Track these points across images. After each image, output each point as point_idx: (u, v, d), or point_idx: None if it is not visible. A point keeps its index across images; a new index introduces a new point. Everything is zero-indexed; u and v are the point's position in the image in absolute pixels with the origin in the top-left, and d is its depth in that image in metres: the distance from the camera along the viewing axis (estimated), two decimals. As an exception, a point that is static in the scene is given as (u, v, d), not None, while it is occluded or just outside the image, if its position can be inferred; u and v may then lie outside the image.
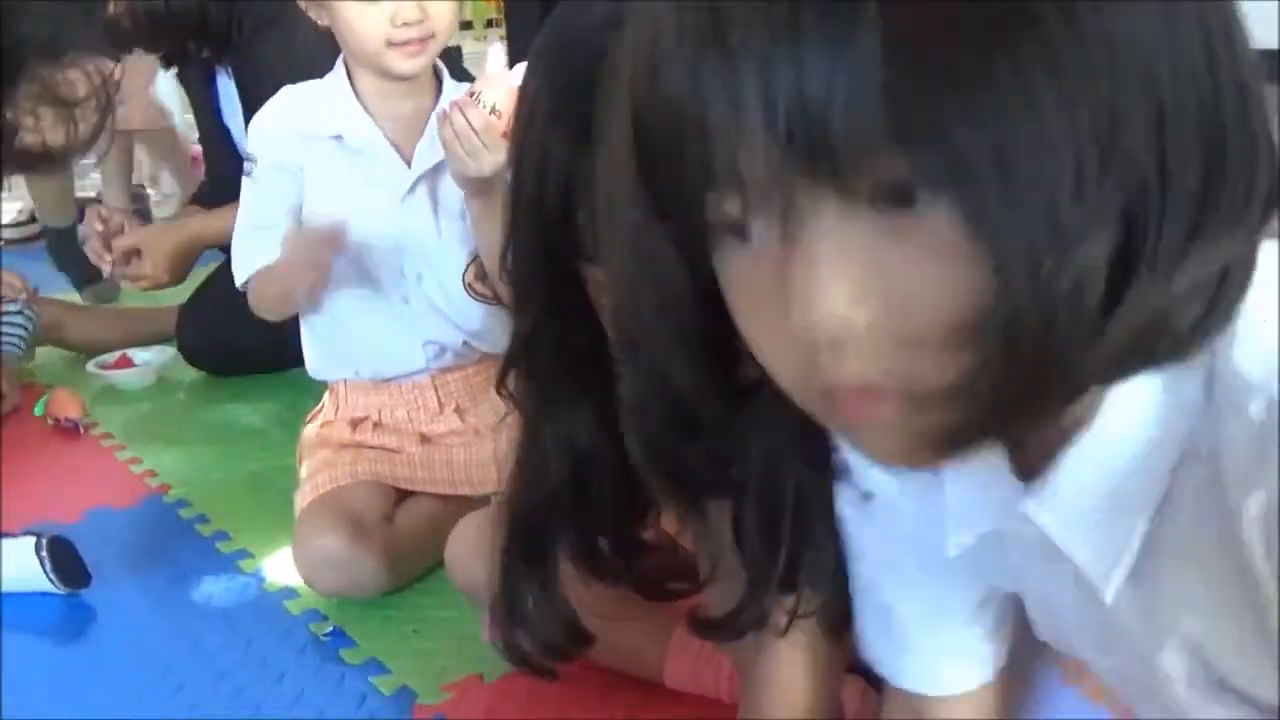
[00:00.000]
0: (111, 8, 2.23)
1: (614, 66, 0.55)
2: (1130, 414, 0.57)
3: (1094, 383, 0.53)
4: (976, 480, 0.65)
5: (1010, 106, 0.44)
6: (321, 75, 1.63)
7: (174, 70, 2.47)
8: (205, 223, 2.39)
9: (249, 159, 1.63)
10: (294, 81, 1.64)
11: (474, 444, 1.65)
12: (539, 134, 0.94)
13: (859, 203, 0.48)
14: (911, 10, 0.44)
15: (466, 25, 6.28)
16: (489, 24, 10.72)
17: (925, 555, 0.74)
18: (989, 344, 0.47)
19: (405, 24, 1.49)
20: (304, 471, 1.65)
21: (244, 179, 1.64)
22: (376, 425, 1.67)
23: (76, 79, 0.53)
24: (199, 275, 2.45)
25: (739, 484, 0.80)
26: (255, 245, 1.60)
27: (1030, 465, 0.61)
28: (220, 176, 2.48)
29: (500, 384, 1.08)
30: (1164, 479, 0.58)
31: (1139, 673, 0.66)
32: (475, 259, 1.57)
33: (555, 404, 1.03)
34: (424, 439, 1.66)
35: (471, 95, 1.35)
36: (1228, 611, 0.59)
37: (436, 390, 1.68)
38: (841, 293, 0.49)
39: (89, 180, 3.70)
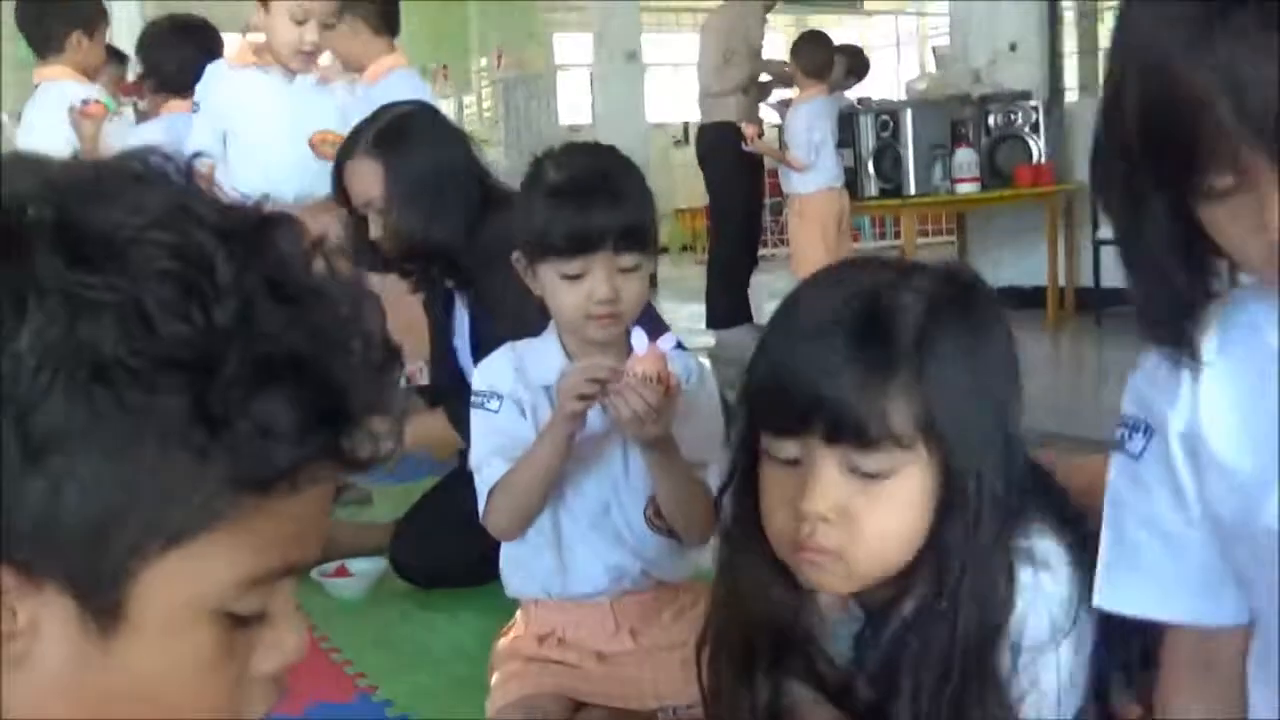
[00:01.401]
0: (373, 231, 2.59)
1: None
2: None
3: None
4: None
5: None
6: (539, 320, 1.88)
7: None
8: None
9: (485, 396, 1.84)
10: (520, 317, 1.90)
11: (645, 663, 1.84)
12: None
13: None
14: None
15: (662, 249, 6.77)
16: (684, 248, 11.26)
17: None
18: None
19: (599, 302, 1.74)
20: (495, 679, 1.86)
21: (478, 411, 1.85)
22: (560, 641, 1.88)
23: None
24: (414, 492, 2.73)
25: None
26: (494, 468, 1.79)
27: None
28: (440, 388, 2.76)
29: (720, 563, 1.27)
30: None
31: None
32: (654, 497, 1.80)
33: (761, 589, 1.20)
34: (600, 656, 1.86)
35: (630, 374, 1.60)
36: None
37: (614, 613, 1.88)
38: None
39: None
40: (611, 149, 1.92)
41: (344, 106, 3.41)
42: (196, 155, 0.69)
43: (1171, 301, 0.94)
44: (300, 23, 3.30)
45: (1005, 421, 1.14)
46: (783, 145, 5.97)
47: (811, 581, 1.16)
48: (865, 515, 1.11)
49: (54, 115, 3.66)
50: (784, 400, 1.11)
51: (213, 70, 3.46)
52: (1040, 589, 1.15)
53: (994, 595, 1.12)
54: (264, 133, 3.35)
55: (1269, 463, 0.94)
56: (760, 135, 5.88)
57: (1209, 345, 0.98)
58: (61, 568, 0.60)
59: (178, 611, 0.63)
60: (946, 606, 1.11)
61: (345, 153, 2.65)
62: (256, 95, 3.37)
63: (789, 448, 1.13)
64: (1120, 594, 1.08)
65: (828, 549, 1.11)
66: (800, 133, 5.81)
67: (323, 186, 3.27)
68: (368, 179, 2.57)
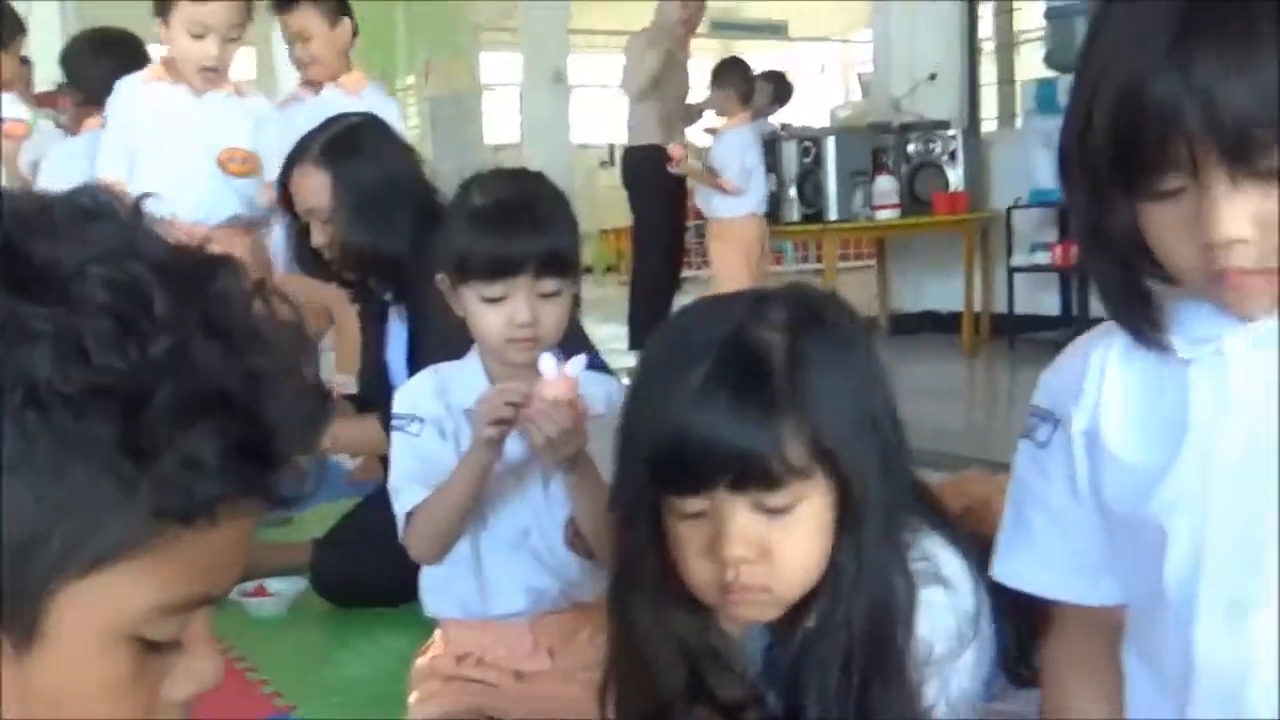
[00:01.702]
0: (317, 237, 2.58)
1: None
2: None
3: None
4: None
5: None
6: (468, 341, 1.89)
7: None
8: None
9: (406, 419, 1.85)
10: (452, 338, 1.91)
11: (560, 683, 1.86)
12: None
13: (1249, 176, 0.89)
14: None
15: (587, 270, 6.78)
16: (608, 269, 11.31)
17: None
18: None
19: (519, 325, 1.76)
20: (413, 698, 1.87)
21: (399, 434, 1.86)
22: (479, 661, 1.90)
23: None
24: (332, 513, 2.74)
25: None
26: (412, 493, 1.80)
27: None
28: (369, 400, 2.75)
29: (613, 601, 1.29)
30: None
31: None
32: (573, 518, 1.83)
33: (663, 621, 1.24)
34: (518, 675, 1.88)
35: (540, 399, 1.63)
36: None
37: (533, 632, 1.90)
38: (1233, 222, 0.89)
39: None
40: (539, 175, 1.95)
41: (261, 119, 3.37)
42: (144, 195, 0.71)
43: (1130, 285, 1.02)
44: (199, 37, 3.20)
45: (883, 427, 1.19)
46: (708, 170, 6.02)
47: (740, 618, 1.21)
48: (782, 548, 1.15)
49: None
50: (684, 466, 1.14)
51: (122, 86, 3.36)
52: (945, 605, 1.20)
53: (889, 600, 1.18)
54: (171, 150, 3.26)
55: (1159, 461, 1.03)
56: (684, 158, 5.92)
57: (1114, 350, 1.07)
58: None
59: (93, 633, 0.64)
60: (843, 614, 1.16)
61: (293, 160, 2.64)
62: (164, 112, 3.29)
63: (695, 504, 1.16)
64: (1014, 569, 1.17)
65: (754, 587, 1.15)
66: (733, 158, 5.86)
67: (231, 205, 3.28)
68: (314, 188, 2.57)
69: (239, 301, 0.68)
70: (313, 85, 3.78)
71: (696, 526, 1.16)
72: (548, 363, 1.67)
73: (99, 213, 0.67)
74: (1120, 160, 0.94)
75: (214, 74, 3.28)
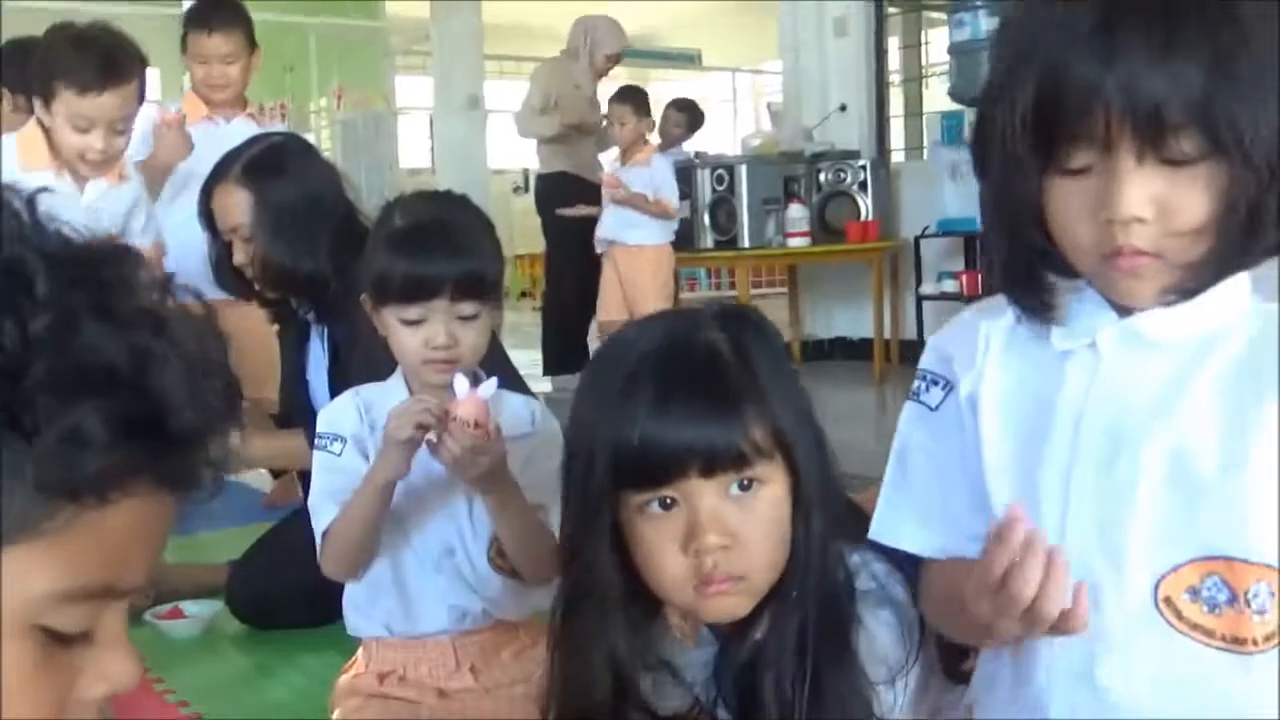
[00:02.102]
0: (238, 256, 2.58)
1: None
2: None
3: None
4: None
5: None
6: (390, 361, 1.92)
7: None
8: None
9: (329, 439, 1.87)
10: (374, 357, 1.94)
11: (483, 700, 1.88)
12: None
13: (1155, 160, 0.96)
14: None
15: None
16: (522, 294, 11.30)
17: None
18: (1224, 239, 0.97)
19: (436, 348, 1.79)
20: (335, 716, 1.89)
21: (320, 453, 1.88)
22: (401, 679, 1.91)
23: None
24: (245, 536, 2.73)
25: None
26: (331, 511, 1.83)
27: None
28: (290, 417, 2.75)
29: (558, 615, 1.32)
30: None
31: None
32: (497, 539, 1.85)
33: (604, 630, 1.27)
34: (441, 693, 1.90)
35: (451, 418, 1.66)
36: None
37: (455, 650, 1.92)
38: (1135, 201, 0.97)
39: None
40: (462, 198, 1.98)
41: (136, 201, 3.16)
42: (40, 190, 0.70)
43: (1028, 262, 1.07)
44: (84, 131, 2.90)
45: (815, 429, 1.26)
46: (640, 195, 5.98)
47: (713, 614, 1.24)
48: (752, 532, 1.20)
49: None
50: (656, 456, 1.18)
51: None
52: (895, 624, 1.25)
53: (838, 593, 1.23)
54: None
55: (1026, 448, 1.09)
56: (618, 185, 5.90)
57: (1000, 328, 1.13)
58: None
59: None
60: (797, 596, 1.21)
61: (215, 178, 2.64)
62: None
63: (664, 495, 1.19)
64: (894, 528, 1.21)
65: (734, 574, 1.19)
66: (664, 183, 5.85)
67: None
68: (236, 206, 2.58)
69: (136, 289, 0.68)
70: (220, 109, 3.74)
71: (665, 521, 1.20)
72: (461, 383, 1.70)
73: None
74: (1037, 132, 1.00)
75: (101, 165, 2.98)
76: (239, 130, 3.39)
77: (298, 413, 2.65)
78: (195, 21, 3.73)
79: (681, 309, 1.33)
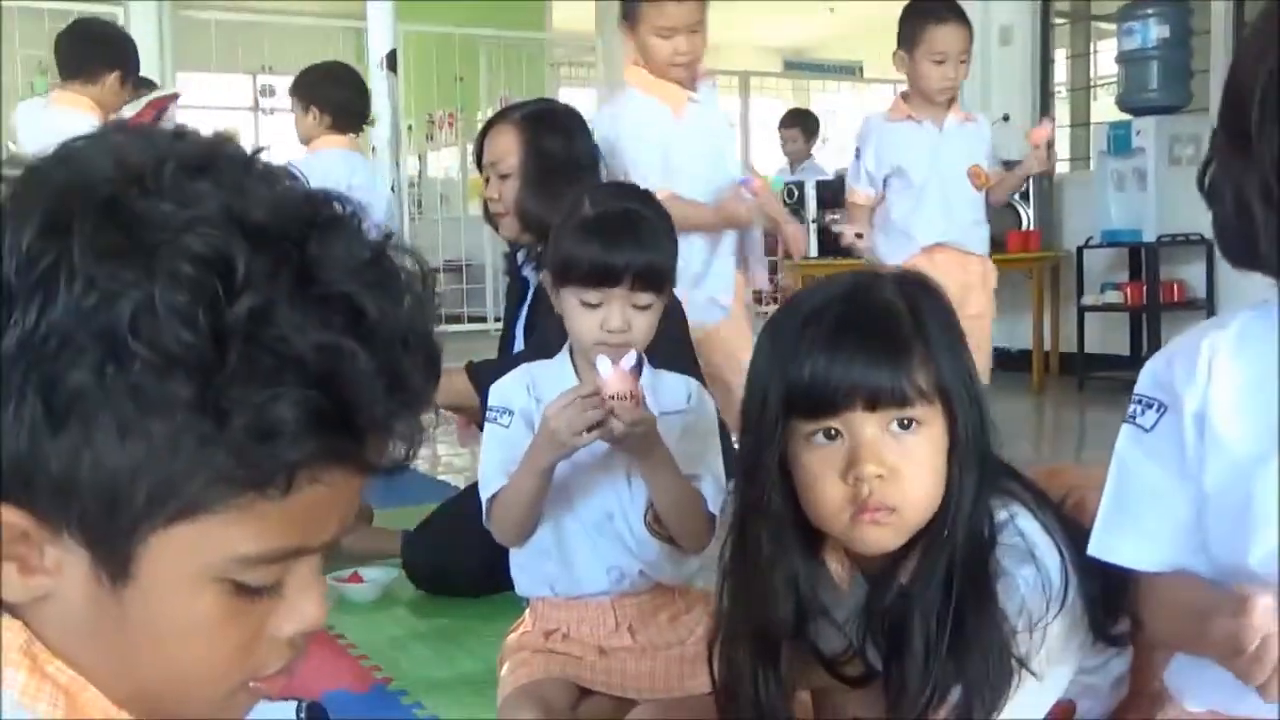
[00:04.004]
0: (490, 191, 2.88)
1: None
2: None
3: None
4: None
5: None
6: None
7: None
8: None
9: (498, 411, 2.01)
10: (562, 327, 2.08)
11: (641, 658, 2.00)
12: None
13: None
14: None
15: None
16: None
17: None
18: None
19: (612, 330, 1.91)
20: (505, 670, 2.02)
21: (491, 425, 2.02)
22: (565, 636, 2.05)
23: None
24: (418, 514, 2.91)
25: None
26: (498, 481, 1.95)
27: None
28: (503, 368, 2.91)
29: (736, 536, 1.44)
30: None
31: None
32: (652, 504, 1.98)
33: (783, 551, 1.38)
34: (601, 651, 2.03)
35: (608, 396, 1.78)
36: None
37: (615, 611, 2.05)
38: None
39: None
40: (647, 194, 2.10)
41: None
42: (260, 148, 0.72)
43: (1252, 231, 1.09)
44: (666, 38, 3.21)
45: (974, 380, 1.37)
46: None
47: (867, 543, 1.33)
48: (908, 466, 1.30)
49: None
50: (825, 389, 1.30)
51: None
52: (1035, 582, 1.32)
53: (983, 538, 1.33)
54: None
55: (1261, 448, 1.12)
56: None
57: (1227, 338, 1.17)
58: (77, 523, 0.66)
59: (185, 577, 0.67)
60: (947, 537, 1.31)
61: (497, 119, 2.96)
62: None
63: (830, 426, 1.31)
64: (1114, 546, 1.26)
65: (887, 504, 1.30)
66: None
67: None
68: (505, 145, 2.86)
69: (338, 264, 0.67)
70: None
71: (828, 453, 1.31)
72: (604, 363, 1.82)
73: (206, 167, 0.68)
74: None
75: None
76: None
77: (509, 365, 2.82)
78: None
79: (864, 271, 1.46)
